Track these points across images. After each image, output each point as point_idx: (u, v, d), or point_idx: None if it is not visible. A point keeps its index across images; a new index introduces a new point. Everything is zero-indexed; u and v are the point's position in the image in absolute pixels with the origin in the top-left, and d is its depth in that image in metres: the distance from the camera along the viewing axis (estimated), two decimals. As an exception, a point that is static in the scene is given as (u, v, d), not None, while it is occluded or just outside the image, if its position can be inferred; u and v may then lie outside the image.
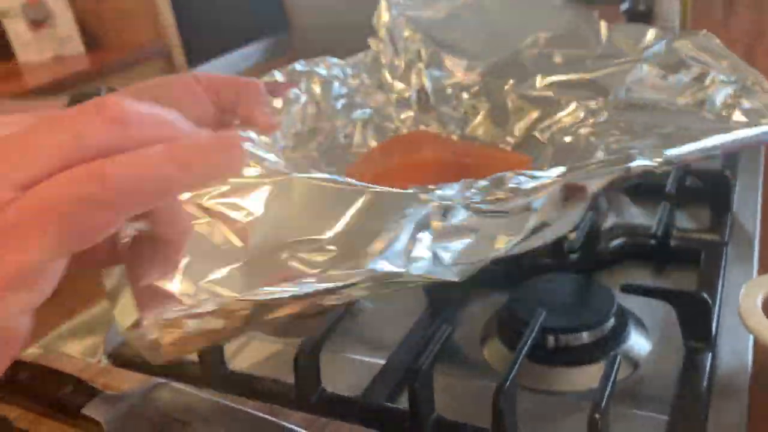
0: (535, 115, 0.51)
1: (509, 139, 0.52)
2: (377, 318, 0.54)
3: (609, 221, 0.59)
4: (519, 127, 0.52)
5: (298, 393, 0.43)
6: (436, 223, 0.32)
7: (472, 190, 0.34)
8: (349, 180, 0.33)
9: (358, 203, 0.31)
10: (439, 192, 0.33)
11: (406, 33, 0.57)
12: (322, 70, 0.53)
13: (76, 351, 0.53)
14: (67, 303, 0.62)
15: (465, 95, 0.55)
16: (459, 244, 0.31)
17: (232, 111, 0.44)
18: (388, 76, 0.57)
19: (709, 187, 0.58)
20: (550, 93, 0.51)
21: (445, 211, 0.32)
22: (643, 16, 0.98)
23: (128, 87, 0.45)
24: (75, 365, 0.47)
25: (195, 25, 2.14)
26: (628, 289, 0.45)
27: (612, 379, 0.37)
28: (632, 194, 0.64)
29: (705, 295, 0.42)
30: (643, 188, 0.63)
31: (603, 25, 0.54)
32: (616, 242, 0.55)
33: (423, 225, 0.31)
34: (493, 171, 0.36)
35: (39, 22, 2.00)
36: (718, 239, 0.53)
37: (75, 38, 2.04)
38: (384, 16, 0.58)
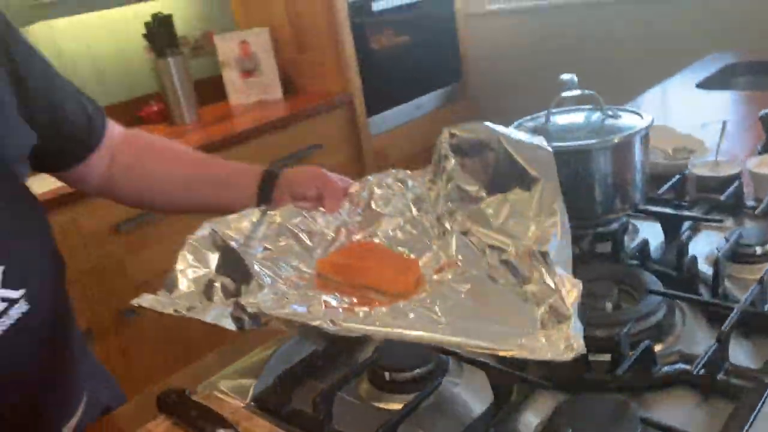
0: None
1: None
2: (455, 400, 0.67)
3: (673, 347, 0.67)
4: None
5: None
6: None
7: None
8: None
9: None
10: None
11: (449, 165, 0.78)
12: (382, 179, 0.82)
13: (234, 389, 0.72)
14: (232, 347, 0.82)
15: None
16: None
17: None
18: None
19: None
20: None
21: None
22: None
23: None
24: (228, 406, 0.66)
25: (377, 77, 2.37)
26: (646, 421, 0.54)
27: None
28: (711, 319, 0.71)
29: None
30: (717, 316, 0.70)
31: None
32: (668, 368, 0.63)
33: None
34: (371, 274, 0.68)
35: (249, 71, 2.34)
36: (763, 382, 0.59)
37: (276, 86, 2.36)
38: (439, 146, 0.79)
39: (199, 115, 2.25)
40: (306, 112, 2.21)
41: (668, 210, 0.93)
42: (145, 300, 0.64)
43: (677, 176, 0.98)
